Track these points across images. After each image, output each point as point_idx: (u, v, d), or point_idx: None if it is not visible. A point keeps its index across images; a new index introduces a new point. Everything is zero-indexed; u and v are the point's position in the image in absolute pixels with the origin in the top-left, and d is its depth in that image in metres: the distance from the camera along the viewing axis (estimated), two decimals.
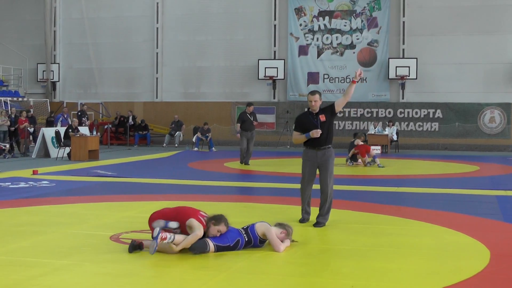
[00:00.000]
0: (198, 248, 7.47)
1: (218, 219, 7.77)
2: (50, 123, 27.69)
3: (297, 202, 12.20)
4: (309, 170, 9.84)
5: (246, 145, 20.82)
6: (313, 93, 9.75)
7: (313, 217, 9.90)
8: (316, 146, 9.72)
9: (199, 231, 7.57)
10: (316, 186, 9.94)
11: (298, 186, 13.36)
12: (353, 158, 21.16)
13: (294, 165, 20.54)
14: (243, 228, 7.93)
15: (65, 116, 29.11)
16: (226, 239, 7.66)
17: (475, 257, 7.56)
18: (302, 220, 9.87)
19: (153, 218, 8.02)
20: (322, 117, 9.68)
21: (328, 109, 9.77)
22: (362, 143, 21.41)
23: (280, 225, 8.05)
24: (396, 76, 30.84)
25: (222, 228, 7.73)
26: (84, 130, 24.83)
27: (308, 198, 9.96)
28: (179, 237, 7.50)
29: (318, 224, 9.61)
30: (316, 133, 9.54)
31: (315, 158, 9.74)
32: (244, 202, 12.39)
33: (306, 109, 10.00)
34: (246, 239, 7.78)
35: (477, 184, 15.90)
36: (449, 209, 11.45)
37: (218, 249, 7.58)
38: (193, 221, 7.68)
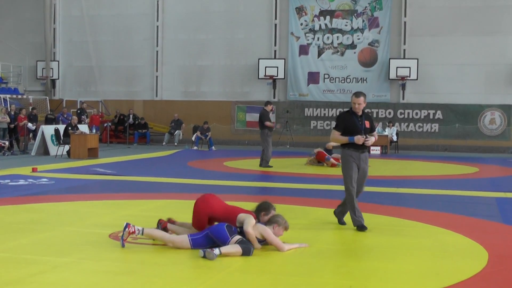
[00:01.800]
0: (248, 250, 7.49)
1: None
2: (49, 121, 27.71)
3: (301, 202, 12.26)
4: (355, 172, 9.47)
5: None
6: (357, 95, 9.40)
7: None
8: (360, 149, 9.42)
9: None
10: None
11: (299, 186, 13.43)
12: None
13: (294, 165, 20.57)
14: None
15: (65, 116, 29.13)
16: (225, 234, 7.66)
17: (474, 258, 7.60)
18: (362, 227, 9.30)
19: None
20: (367, 124, 9.48)
21: (371, 122, 9.59)
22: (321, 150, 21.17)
23: (269, 221, 8.06)
24: (396, 76, 30.89)
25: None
26: (83, 128, 24.86)
27: (357, 203, 9.57)
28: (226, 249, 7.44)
29: (341, 223, 9.67)
30: (360, 140, 9.24)
31: (358, 160, 9.46)
32: (245, 202, 12.41)
33: (347, 109, 9.63)
34: (239, 230, 7.82)
35: (477, 185, 15.94)
36: (448, 210, 11.50)
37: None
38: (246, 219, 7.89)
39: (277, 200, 12.49)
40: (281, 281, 6.54)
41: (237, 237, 7.55)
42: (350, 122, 9.38)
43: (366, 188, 14.68)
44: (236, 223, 7.91)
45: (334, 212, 9.94)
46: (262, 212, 8.10)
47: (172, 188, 14.57)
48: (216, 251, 7.24)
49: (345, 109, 9.72)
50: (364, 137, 9.29)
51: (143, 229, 7.83)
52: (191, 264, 7.12)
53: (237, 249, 7.37)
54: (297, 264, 7.25)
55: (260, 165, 19.91)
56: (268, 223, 8.02)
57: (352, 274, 6.88)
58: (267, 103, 20.18)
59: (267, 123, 19.64)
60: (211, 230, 7.70)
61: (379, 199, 13.00)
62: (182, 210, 10.84)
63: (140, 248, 7.82)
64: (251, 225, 7.76)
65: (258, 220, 8.00)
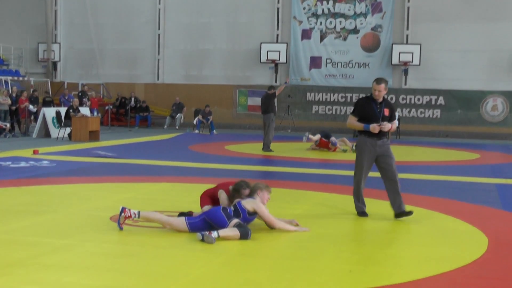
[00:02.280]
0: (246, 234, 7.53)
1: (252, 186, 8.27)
2: (47, 103, 27.65)
3: (303, 186, 12.29)
4: (367, 160, 9.22)
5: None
6: (378, 81, 9.03)
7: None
8: (376, 136, 9.08)
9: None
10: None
11: (301, 170, 13.45)
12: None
13: (296, 150, 20.58)
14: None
15: (66, 97, 29.12)
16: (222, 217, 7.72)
17: (473, 244, 7.63)
18: (363, 213, 9.31)
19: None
20: (386, 111, 9.11)
21: (391, 110, 9.23)
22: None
23: (251, 193, 8.19)
24: (399, 62, 30.82)
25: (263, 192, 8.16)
26: (85, 110, 24.86)
27: (362, 190, 9.44)
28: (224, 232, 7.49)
29: (409, 212, 9.06)
30: (376, 129, 8.97)
31: (375, 147, 9.13)
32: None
33: (367, 95, 9.32)
34: (234, 209, 7.87)
35: (478, 172, 15.96)
36: (449, 196, 11.52)
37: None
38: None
39: (278, 184, 12.53)
40: (281, 264, 6.57)
41: (235, 220, 7.60)
42: (368, 108, 9.10)
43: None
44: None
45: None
46: (241, 190, 8.28)
47: (173, 171, 14.59)
48: (215, 234, 7.28)
49: (366, 95, 9.46)
50: (380, 124, 9.00)
51: (139, 212, 7.85)
52: (191, 247, 7.14)
53: (235, 232, 7.41)
54: (297, 248, 7.28)
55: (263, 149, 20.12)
56: (250, 195, 8.17)
57: (352, 259, 6.91)
58: (271, 87, 20.27)
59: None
60: (208, 215, 7.75)
61: (380, 185, 12.99)
62: (183, 194, 10.89)
63: (139, 231, 7.85)
64: (261, 206, 7.95)
65: (238, 198, 8.23)
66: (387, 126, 9.01)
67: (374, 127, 8.99)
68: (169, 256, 6.77)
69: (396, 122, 9.36)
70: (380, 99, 9.09)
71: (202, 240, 7.24)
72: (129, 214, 7.76)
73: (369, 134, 9.10)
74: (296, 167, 15.76)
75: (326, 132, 21.25)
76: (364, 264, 6.71)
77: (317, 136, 20.89)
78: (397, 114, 29.18)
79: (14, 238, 7.39)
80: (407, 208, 9.20)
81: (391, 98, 31.34)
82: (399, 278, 6.13)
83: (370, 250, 7.35)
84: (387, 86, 9.06)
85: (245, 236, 7.41)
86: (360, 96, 31.09)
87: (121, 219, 7.75)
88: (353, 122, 9.30)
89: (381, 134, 9.11)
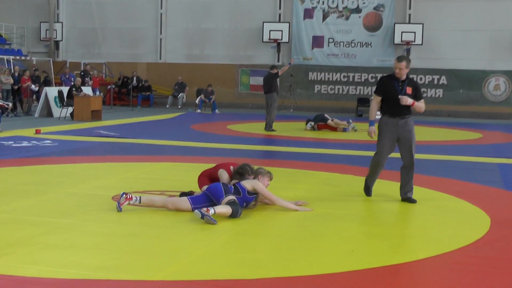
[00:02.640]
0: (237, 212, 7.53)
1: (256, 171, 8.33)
2: (47, 83, 27.56)
3: (305, 166, 12.27)
4: (388, 142, 8.87)
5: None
6: (399, 59, 8.72)
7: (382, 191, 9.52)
8: (397, 115, 8.77)
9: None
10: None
11: (303, 150, 13.42)
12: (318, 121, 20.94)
13: (298, 130, 20.56)
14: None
15: (67, 76, 29.06)
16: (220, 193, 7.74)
17: (476, 224, 7.61)
18: (368, 190, 9.22)
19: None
20: (409, 90, 8.74)
21: (415, 89, 8.85)
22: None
23: (253, 177, 8.27)
24: (401, 41, 30.65)
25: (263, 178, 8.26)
26: (87, 90, 24.81)
27: (379, 172, 9.15)
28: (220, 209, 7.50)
29: (414, 200, 8.84)
30: (405, 100, 8.61)
31: (396, 127, 8.79)
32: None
33: (389, 74, 8.96)
34: (234, 188, 7.88)
35: (480, 151, 15.92)
36: (451, 176, 11.50)
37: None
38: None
39: (280, 163, 12.52)
40: (283, 244, 6.56)
41: (230, 197, 7.62)
42: (389, 86, 8.78)
43: (367, 153, 14.74)
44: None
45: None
46: (246, 174, 8.26)
47: (175, 151, 14.58)
48: (211, 211, 7.28)
49: (388, 74, 9.07)
50: (400, 97, 8.64)
51: (140, 197, 7.83)
52: (193, 227, 7.14)
53: (227, 209, 7.44)
54: (299, 227, 7.28)
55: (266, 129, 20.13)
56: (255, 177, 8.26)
57: (353, 239, 6.90)
58: (273, 67, 20.27)
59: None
60: (209, 189, 7.82)
61: (385, 165, 12.97)
62: (185, 173, 10.87)
63: (141, 210, 7.84)
64: (260, 185, 8.00)
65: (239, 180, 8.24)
66: (405, 99, 8.64)
67: (371, 130, 9.00)
68: (170, 235, 6.77)
69: (422, 103, 8.87)
70: (403, 77, 8.77)
71: (202, 218, 7.22)
72: (130, 196, 7.76)
73: (391, 114, 8.79)
74: (298, 147, 15.74)
75: (320, 116, 21.06)
76: (366, 244, 6.70)
77: (309, 125, 20.79)
78: None
79: (16, 217, 7.39)
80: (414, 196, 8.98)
81: None
82: (401, 258, 6.12)
83: (372, 230, 7.34)
84: (409, 64, 8.72)
85: (234, 214, 7.43)
86: (363, 76, 31.29)
87: (122, 199, 7.74)
88: (372, 108, 9.00)
89: (403, 113, 8.80)
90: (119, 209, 7.73)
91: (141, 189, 9.18)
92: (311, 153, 14.72)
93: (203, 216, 7.21)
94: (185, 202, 7.79)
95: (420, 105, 8.83)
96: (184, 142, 16.29)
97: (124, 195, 7.75)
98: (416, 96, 8.84)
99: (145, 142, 16.12)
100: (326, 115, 21.11)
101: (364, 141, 17.91)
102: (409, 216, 8.05)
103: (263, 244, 6.60)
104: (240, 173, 8.29)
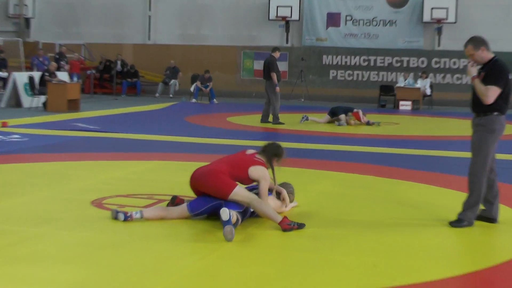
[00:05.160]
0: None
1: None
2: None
3: (317, 165, 12.23)
4: (494, 146, 7.98)
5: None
6: (466, 43, 8.14)
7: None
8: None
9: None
10: None
11: (316, 146, 13.34)
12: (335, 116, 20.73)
13: (310, 123, 20.50)
14: None
15: (41, 59, 29.05)
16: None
17: None
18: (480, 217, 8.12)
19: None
20: (481, 76, 7.93)
21: (490, 71, 7.94)
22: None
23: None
24: (431, 19, 30.60)
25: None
26: (62, 75, 24.78)
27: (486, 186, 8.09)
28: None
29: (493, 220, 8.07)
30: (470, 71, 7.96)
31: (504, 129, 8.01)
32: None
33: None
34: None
35: None
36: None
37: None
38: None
39: (288, 162, 12.45)
40: (291, 257, 6.54)
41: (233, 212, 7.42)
42: None
43: (391, 150, 14.74)
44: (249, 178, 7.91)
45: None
46: (275, 158, 8.13)
47: (167, 147, 14.58)
48: (234, 221, 7.09)
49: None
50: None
51: (141, 212, 7.67)
52: (187, 237, 7.12)
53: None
54: (309, 237, 7.20)
55: (262, 121, 20.24)
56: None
57: (375, 250, 6.85)
58: (275, 49, 20.29)
59: (273, 76, 19.92)
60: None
61: (408, 163, 12.96)
62: (178, 173, 10.83)
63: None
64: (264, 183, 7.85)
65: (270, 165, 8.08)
66: (469, 69, 8.03)
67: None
68: (160, 247, 6.73)
69: (485, 88, 7.79)
70: (481, 62, 8.11)
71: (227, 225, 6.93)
72: (130, 218, 7.58)
73: (505, 111, 7.95)
74: (310, 143, 15.71)
75: (334, 109, 20.89)
76: (390, 256, 6.65)
77: (326, 118, 20.66)
78: (429, 80, 29.13)
79: None
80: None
81: (422, 62, 31.19)
82: (432, 274, 6.07)
83: (396, 239, 7.28)
84: (477, 46, 8.10)
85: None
86: (386, 60, 31.18)
87: (120, 215, 7.59)
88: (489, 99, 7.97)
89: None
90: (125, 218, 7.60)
91: (126, 193, 9.15)
92: (324, 150, 14.72)
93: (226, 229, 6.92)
94: (182, 207, 7.73)
95: (481, 88, 7.87)
96: (177, 137, 16.28)
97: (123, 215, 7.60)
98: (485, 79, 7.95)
99: (131, 137, 16.11)
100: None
101: (386, 137, 17.87)
102: (439, 224, 7.96)
103: (269, 256, 6.57)
104: (278, 154, 8.19)
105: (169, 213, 7.76)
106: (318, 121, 20.60)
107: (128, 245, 6.78)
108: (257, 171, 7.78)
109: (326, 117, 20.66)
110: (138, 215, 7.59)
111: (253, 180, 7.82)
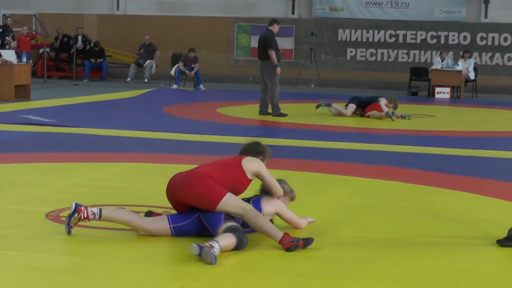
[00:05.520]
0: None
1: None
2: None
3: (327, 167, 12.25)
4: None
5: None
6: None
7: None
8: None
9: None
10: None
11: (327, 144, 13.41)
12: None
13: (319, 115, 20.51)
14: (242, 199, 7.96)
15: None
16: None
17: None
18: None
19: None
20: None
21: None
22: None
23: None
24: None
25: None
26: (8, 55, 24.77)
27: None
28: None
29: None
30: None
31: None
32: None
33: None
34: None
35: None
36: None
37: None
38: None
39: (294, 164, 12.52)
40: (301, 284, 6.55)
41: (230, 223, 7.44)
42: None
43: (425, 150, 14.77)
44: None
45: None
46: (259, 157, 8.14)
47: (140, 145, 14.62)
48: (216, 247, 7.02)
49: None
50: None
51: (100, 210, 7.73)
52: (168, 259, 7.15)
53: (231, 240, 7.23)
54: (321, 260, 7.20)
55: (260, 113, 20.31)
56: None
57: (406, 277, 6.87)
58: (273, 21, 20.19)
59: (271, 54, 19.71)
60: (204, 213, 7.63)
61: (447, 167, 12.98)
62: (154, 179, 10.86)
63: (94, 234, 7.81)
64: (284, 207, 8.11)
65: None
66: None
67: None
68: (134, 271, 6.74)
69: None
70: None
71: (199, 255, 7.01)
72: (85, 215, 7.61)
73: None
74: (322, 140, 15.70)
75: (360, 98, 20.83)
76: (426, 284, 6.68)
77: (351, 108, 20.48)
78: (472, 61, 29.05)
79: None
80: None
81: (465, 38, 31.17)
82: None
83: (432, 262, 7.31)
84: None
85: (238, 246, 7.21)
86: (419, 35, 31.24)
87: (73, 220, 7.62)
88: None
89: None
90: (69, 232, 7.65)
91: (91, 203, 9.16)
92: (340, 149, 14.75)
93: (201, 252, 6.91)
94: (164, 229, 7.68)
95: None
96: (153, 132, 16.30)
97: (77, 214, 7.60)
98: None
99: (95, 133, 16.13)
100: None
101: (419, 133, 17.90)
102: (488, 242, 8.00)
103: (272, 284, 6.61)
104: (261, 152, 8.26)
105: (143, 221, 7.79)
106: (344, 113, 20.51)
107: (92, 269, 6.81)
108: (253, 160, 7.95)
109: (350, 106, 20.50)
110: (96, 217, 7.62)
111: (252, 176, 7.85)
